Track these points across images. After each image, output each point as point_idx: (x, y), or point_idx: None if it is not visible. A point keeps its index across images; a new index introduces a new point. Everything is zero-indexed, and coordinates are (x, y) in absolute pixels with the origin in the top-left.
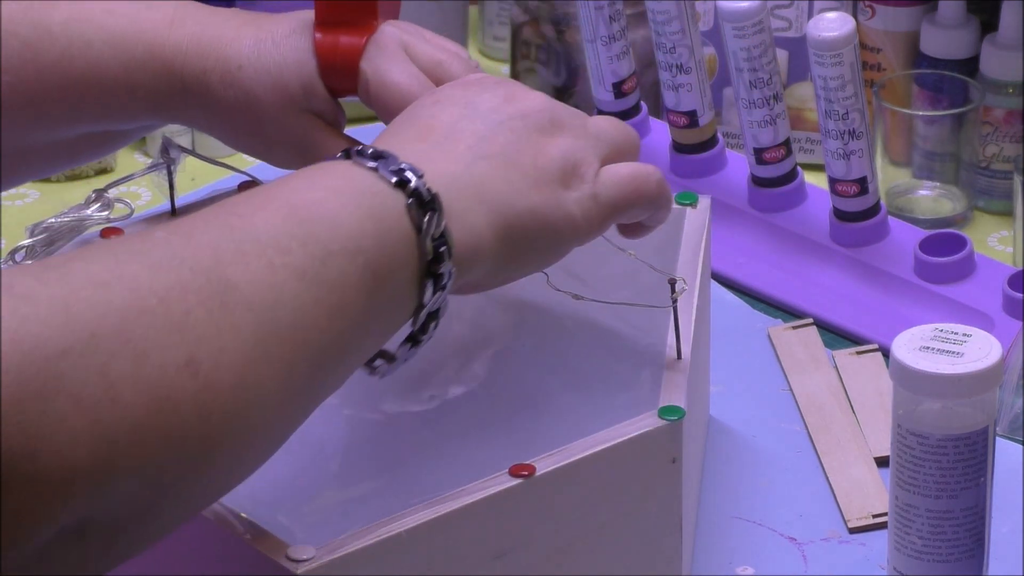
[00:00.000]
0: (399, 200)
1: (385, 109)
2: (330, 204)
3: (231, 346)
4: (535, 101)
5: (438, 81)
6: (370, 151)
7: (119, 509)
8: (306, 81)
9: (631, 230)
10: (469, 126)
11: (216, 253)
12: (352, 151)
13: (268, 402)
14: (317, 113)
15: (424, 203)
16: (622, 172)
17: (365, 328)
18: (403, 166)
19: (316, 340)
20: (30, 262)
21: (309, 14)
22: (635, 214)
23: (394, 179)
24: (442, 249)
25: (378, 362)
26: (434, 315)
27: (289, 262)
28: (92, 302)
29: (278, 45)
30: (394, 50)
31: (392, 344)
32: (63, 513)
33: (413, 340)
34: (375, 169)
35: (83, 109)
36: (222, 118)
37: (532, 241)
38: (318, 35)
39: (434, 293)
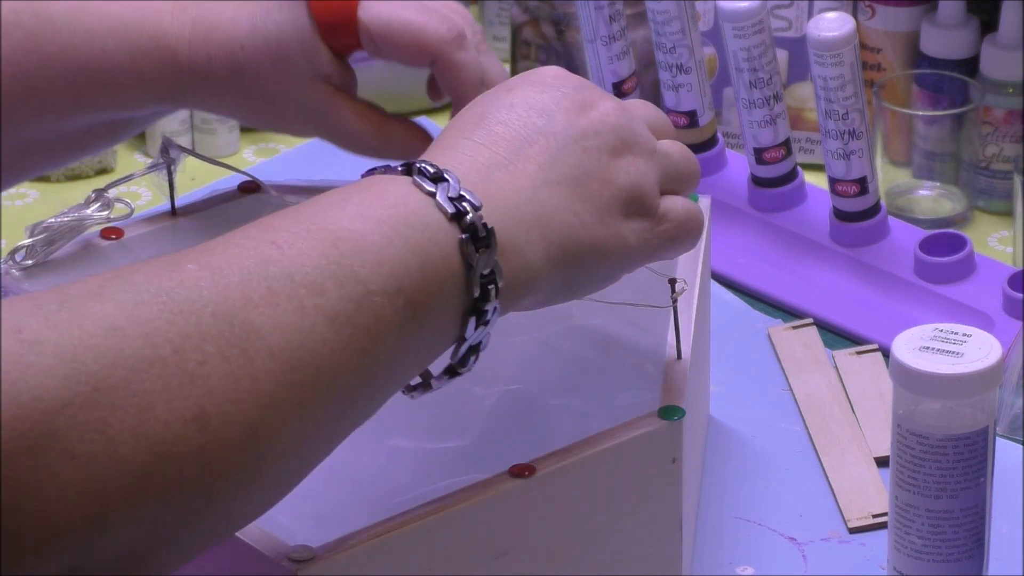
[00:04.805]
0: (452, 234)
1: (395, 50)
2: (375, 237)
3: (245, 397)
4: (610, 115)
5: (422, 41)
6: (431, 171)
7: (111, 559)
8: (308, 46)
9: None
10: (541, 140)
11: (244, 293)
12: (414, 167)
13: (280, 451)
14: (325, 77)
15: (479, 238)
16: (680, 212)
17: (398, 366)
18: (463, 193)
19: (342, 384)
20: (37, 289)
21: None
22: (678, 252)
23: (451, 210)
24: (490, 287)
25: (416, 389)
26: (475, 348)
27: (322, 304)
28: (101, 351)
29: (272, 16)
30: None
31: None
32: (50, 565)
33: (451, 372)
34: (432, 194)
35: (89, 98)
36: (233, 101)
37: (588, 272)
38: None
39: (476, 328)
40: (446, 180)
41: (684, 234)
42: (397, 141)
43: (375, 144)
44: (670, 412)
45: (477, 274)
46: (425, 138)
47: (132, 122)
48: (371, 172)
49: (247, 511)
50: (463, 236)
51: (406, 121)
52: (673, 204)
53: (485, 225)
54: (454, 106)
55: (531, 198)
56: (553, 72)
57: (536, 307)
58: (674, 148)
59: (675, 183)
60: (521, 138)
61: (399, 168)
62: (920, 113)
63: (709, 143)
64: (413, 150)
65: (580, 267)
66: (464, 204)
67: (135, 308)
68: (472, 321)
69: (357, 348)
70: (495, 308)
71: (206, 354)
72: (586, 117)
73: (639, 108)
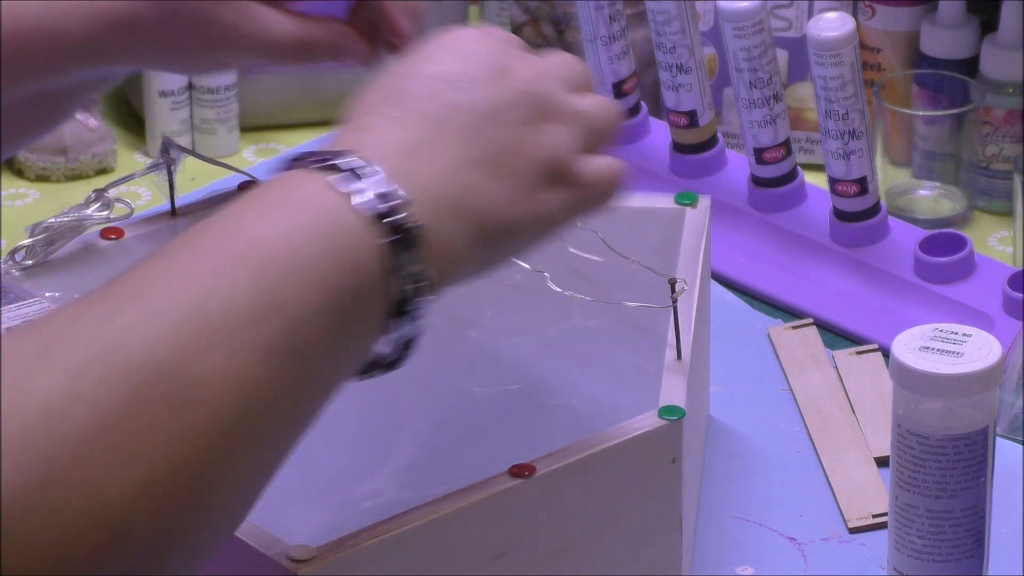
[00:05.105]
0: (378, 237)
1: None
2: (304, 254)
3: (192, 455)
4: (527, 83)
5: None
6: (356, 165)
7: None
8: None
9: None
10: (459, 117)
11: (182, 341)
12: (337, 165)
13: (230, 492)
14: None
15: (407, 239)
16: (604, 171)
17: (331, 379)
18: (388, 191)
19: (282, 414)
20: (36, 289)
21: None
22: (602, 211)
23: (379, 209)
24: (416, 286)
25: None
26: (409, 342)
27: (257, 339)
28: (46, 432)
29: None
30: None
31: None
32: None
33: (388, 366)
34: (358, 193)
35: (13, 68)
36: (159, 44)
37: (507, 248)
38: None
39: (404, 323)
40: (370, 176)
41: (601, 196)
42: (325, 37)
43: (303, 39)
44: (670, 412)
45: (402, 277)
46: (351, 33)
47: (68, 95)
48: (291, 165)
49: (202, 552)
50: (391, 239)
51: (325, 19)
52: (591, 166)
53: (412, 227)
54: (387, 29)
55: (452, 180)
56: (470, 35)
57: (458, 284)
58: (592, 105)
59: (595, 142)
60: (439, 117)
61: (319, 165)
62: (920, 113)
63: (709, 143)
64: (344, 39)
65: (499, 245)
66: (390, 203)
67: (78, 378)
68: (396, 323)
69: (292, 376)
70: (422, 304)
71: (150, 418)
72: (503, 87)
73: (557, 66)
